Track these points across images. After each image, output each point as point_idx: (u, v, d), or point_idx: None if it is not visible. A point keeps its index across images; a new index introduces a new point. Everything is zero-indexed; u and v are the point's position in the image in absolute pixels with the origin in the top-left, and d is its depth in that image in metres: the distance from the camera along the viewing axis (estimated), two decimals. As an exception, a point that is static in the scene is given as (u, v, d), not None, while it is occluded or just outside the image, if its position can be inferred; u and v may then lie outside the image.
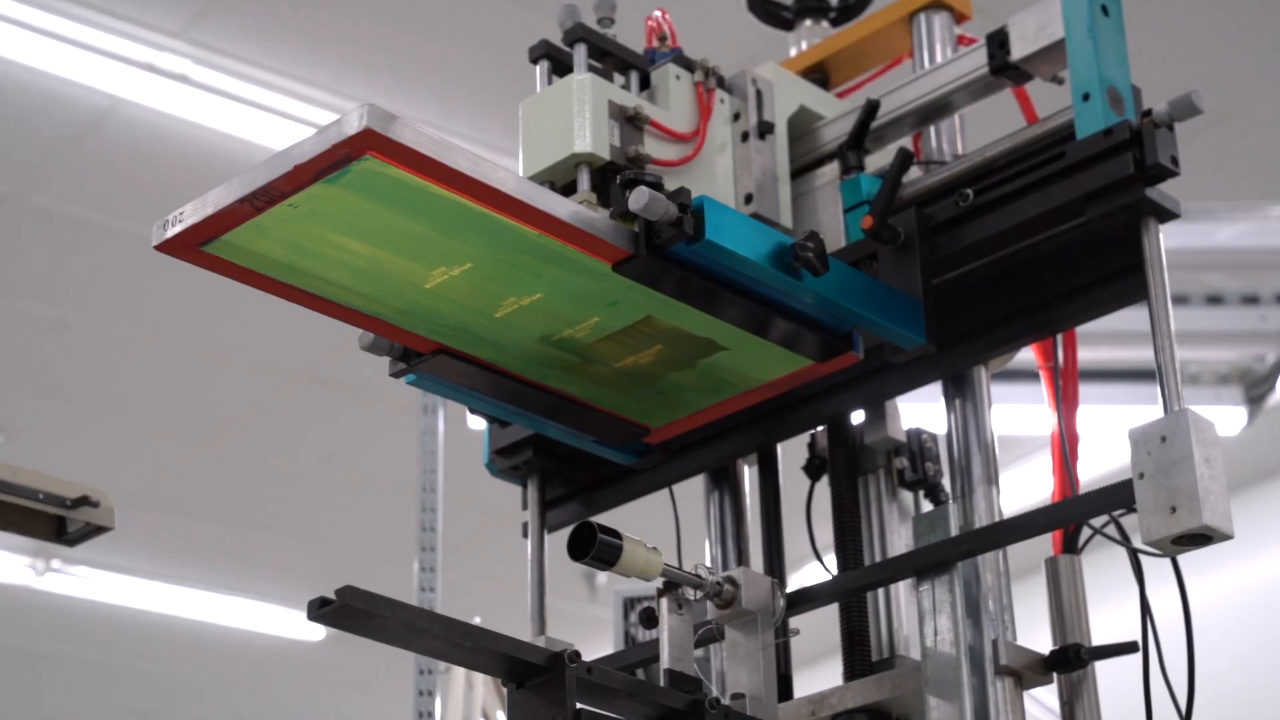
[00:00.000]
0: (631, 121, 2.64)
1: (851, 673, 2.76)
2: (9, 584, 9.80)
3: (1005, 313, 2.64)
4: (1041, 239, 2.61)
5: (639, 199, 2.30)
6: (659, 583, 2.46)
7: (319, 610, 2.11)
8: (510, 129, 2.66)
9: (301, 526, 9.25)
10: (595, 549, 2.33)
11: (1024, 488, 3.77)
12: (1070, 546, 2.64)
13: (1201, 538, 2.29)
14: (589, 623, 8.37)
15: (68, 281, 7.33)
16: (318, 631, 10.37)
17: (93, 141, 6.55)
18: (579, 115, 2.58)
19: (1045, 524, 2.51)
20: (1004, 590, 2.59)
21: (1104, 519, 2.56)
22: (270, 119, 6.50)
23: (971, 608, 2.54)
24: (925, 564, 2.56)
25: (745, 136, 2.81)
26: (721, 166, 2.77)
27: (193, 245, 2.32)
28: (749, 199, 2.77)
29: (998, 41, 2.74)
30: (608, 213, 2.40)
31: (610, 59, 2.73)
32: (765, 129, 2.83)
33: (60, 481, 3.20)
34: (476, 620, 2.41)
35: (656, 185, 2.36)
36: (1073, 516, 2.52)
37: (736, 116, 2.82)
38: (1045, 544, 2.65)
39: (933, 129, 2.96)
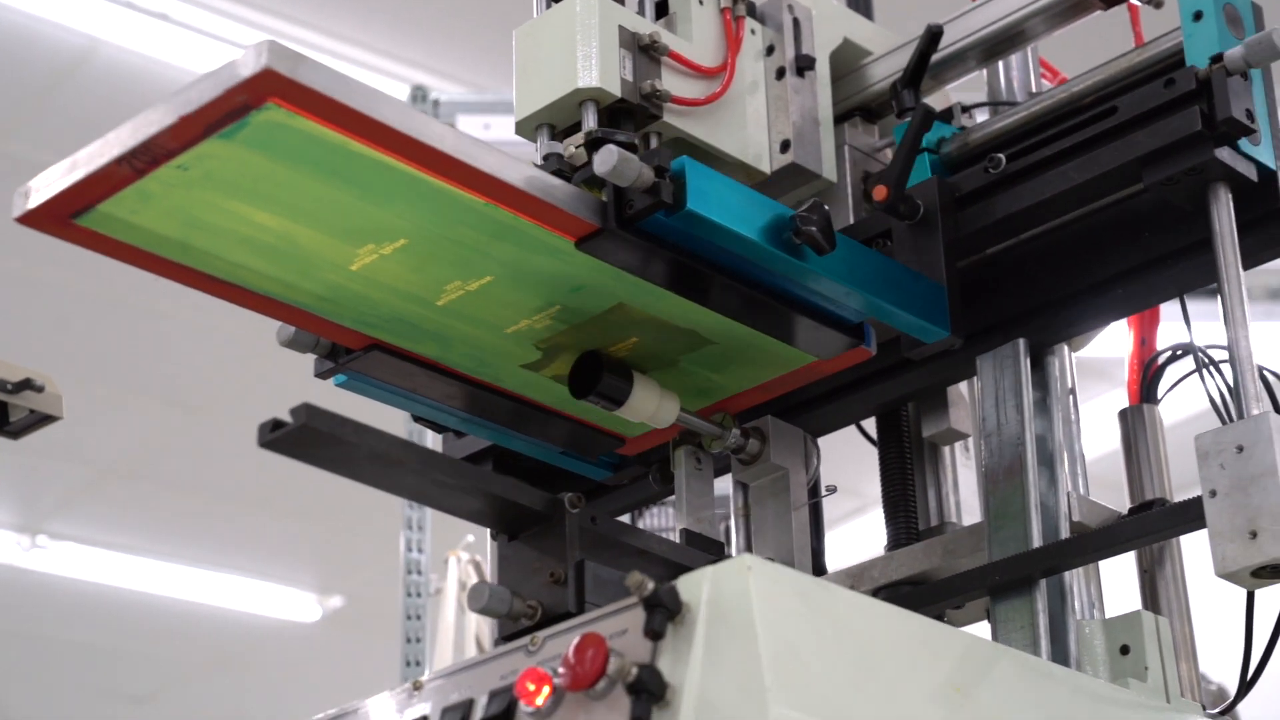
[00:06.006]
0: (646, 52, 2.28)
1: (896, 542, 2.47)
2: (-7, 562, 9.61)
3: (1042, 300, 2.30)
4: (1086, 211, 2.26)
5: (605, 160, 1.95)
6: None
7: (272, 434, 1.82)
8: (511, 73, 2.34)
9: (293, 501, 8.96)
10: (599, 385, 2.09)
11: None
12: (1149, 395, 2.42)
13: (1290, 568, 1.95)
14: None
15: (44, 237, 6.96)
16: (313, 612, 10.16)
17: (70, 86, 6.38)
18: (584, 44, 2.22)
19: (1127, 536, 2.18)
20: (1076, 437, 2.33)
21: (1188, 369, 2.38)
22: (258, 61, 6.23)
23: (1044, 457, 2.25)
24: (1002, 582, 2.20)
25: (781, 73, 2.45)
26: (753, 108, 2.40)
27: (63, 217, 1.95)
28: (785, 146, 2.41)
29: (1085, -47, 2.38)
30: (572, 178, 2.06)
31: None
32: (804, 65, 2.47)
33: None
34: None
35: (629, 146, 2.03)
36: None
37: (770, 50, 2.46)
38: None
39: (1001, 64, 2.59)
